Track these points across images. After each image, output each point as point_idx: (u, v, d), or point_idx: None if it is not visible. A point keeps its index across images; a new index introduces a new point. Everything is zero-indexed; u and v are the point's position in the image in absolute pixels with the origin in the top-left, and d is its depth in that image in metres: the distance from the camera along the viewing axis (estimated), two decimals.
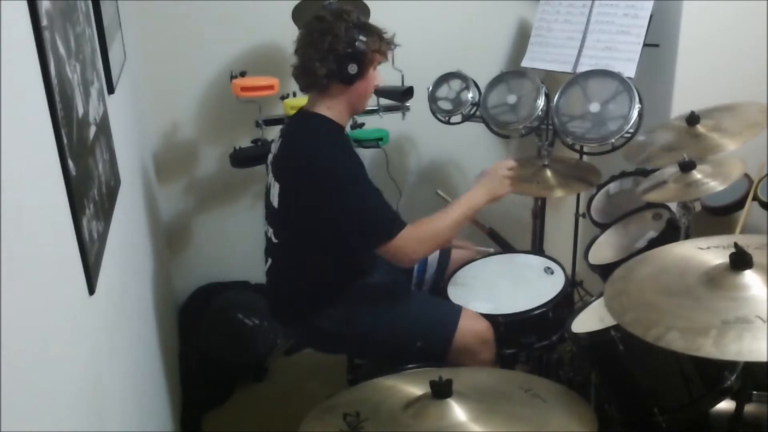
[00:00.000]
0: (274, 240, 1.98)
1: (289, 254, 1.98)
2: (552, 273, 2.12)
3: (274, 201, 1.92)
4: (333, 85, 1.85)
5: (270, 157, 2.00)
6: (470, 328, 1.89)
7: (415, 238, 1.82)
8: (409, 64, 2.59)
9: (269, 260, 2.03)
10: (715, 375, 1.47)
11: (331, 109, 1.89)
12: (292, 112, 2.30)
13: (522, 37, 2.86)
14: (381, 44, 1.87)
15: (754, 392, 1.54)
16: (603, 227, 2.33)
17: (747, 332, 1.06)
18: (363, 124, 2.67)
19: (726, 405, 1.48)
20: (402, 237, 1.80)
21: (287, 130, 1.99)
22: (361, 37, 1.82)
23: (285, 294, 2.03)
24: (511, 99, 2.42)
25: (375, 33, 1.87)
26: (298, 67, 1.88)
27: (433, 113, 2.56)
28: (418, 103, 2.59)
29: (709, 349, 1.06)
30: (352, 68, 1.82)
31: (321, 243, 1.90)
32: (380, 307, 1.96)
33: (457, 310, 1.94)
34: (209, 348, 2.70)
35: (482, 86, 2.49)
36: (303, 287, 1.97)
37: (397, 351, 1.92)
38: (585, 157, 2.58)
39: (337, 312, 1.94)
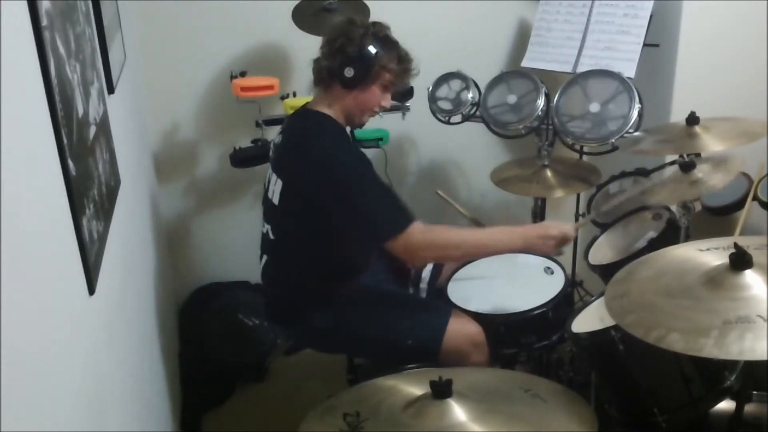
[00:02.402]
0: (272, 237, 1.98)
1: (286, 251, 1.98)
2: (552, 273, 2.12)
3: (275, 198, 1.92)
4: (334, 84, 1.87)
5: (271, 154, 2.01)
6: (460, 331, 1.89)
7: (427, 239, 1.78)
8: None
9: (264, 257, 2.03)
10: (715, 375, 1.47)
11: (331, 107, 1.91)
12: (292, 112, 2.30)
13: (522, 37, 2.86)
14: (393, 63, 1.85)
15: (754, 392, 1.54)
16: (603, 227, 2.33)
17: (748, 332, 1.07)
18: (363, 124, 2.67)
19: (726, 405, 1.48)
20: (411, 233, 1.75)
21: (289, 126, 2.00)
22: (372, 48, 1.81)
23: (279, 293, 2.03)
24: (511, 99, 2.42)
25: (393, 51, 1.85)
26: (314, 60, 1.90)
27: (433, 113, 2.56)
28: (418, 103, 2.59)
29: (710, 349, 1.06)
30: (349, 71, 1.82)
31: (319, 240, 1.90)
32: (372, 307, 1.97)
33: (447, 311, 1.94)
34: (209, 348, 2.70)
35: (482, 86, 2.49)
36: (296, 285, 1.97)
37: (390, 349, 1.92)
38: (585, 157, 2.58)
39: (331, 311, 1.94)
